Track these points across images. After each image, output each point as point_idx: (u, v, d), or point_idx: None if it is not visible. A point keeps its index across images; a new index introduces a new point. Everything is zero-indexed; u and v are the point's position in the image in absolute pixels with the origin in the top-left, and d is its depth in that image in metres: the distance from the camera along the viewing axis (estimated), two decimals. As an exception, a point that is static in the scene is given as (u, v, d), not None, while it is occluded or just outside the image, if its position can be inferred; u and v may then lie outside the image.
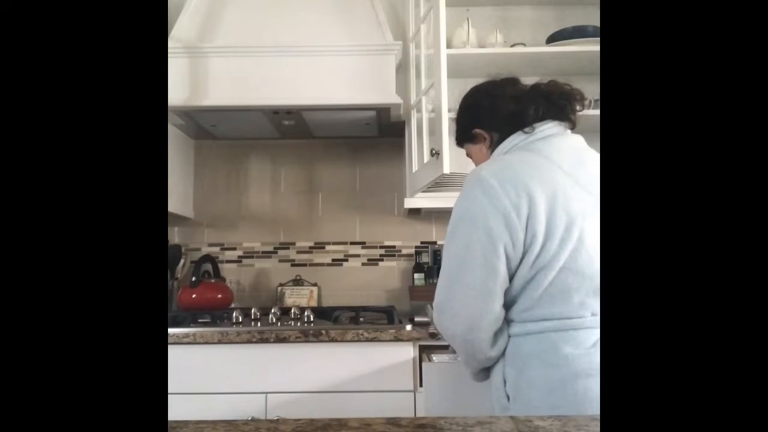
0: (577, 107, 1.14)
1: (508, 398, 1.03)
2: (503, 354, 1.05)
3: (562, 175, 1.03)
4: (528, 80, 1.21)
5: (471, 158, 1.26)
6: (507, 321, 1.05)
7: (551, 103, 1.12)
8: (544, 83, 1.16)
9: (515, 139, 1.11)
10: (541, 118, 1.11)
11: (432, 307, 1.12)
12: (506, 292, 1.03)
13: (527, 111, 1.11)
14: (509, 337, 1.05)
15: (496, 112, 1.15)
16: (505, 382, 1.04)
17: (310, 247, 2.33)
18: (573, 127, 1.15)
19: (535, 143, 1.09)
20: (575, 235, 0.99)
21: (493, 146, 1.16)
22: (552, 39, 2.05)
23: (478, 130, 1.19)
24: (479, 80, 1.25)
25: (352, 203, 2.34)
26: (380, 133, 2.26)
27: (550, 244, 0.98)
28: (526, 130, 1.11)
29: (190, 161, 2.34)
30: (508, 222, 0.99)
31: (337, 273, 2.32)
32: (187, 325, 1.73)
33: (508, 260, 1.00)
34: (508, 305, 1.04)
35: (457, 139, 1.28)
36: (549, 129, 1.11)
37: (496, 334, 1.04)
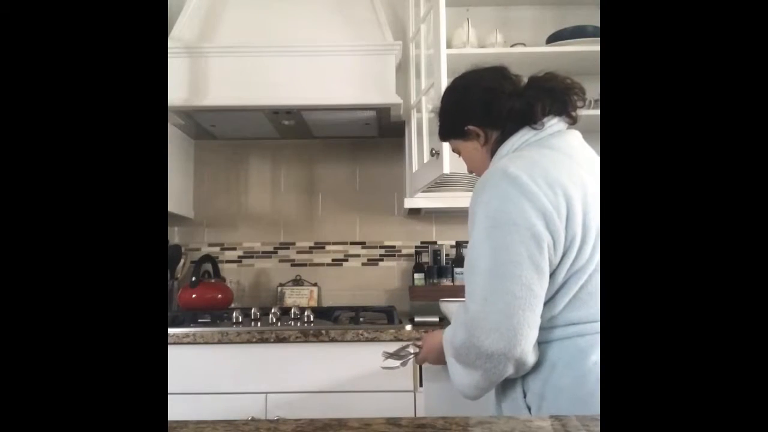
0: (579, 103, 1.08)
1: (530, 409, 0.97)
2: None
3: (585, 173, 0.97)
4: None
5: (459, 154, 1.19)
6: None
7: (554, 98, 1.06)
8: (541, 77, 1.09)
9: (525, 135, 1.04)
10: (546, 114, 1.05)
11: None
12: None
13: (534, 108, 1.04)
14: None
15: (495, 109, 1.07)
16: (524, 393, 0.98)
17: (310, 247, 2.33)
18: (573, 123, 1.09)
19: (547, 139, 1.03)
20: None
21: (494, 144, 1.09)
22: (552, 39, 2.05)
23: (471, 127, 1.10)
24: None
25: (352, 203, 2.34)
26: (380, 133, 2.26)
27: (586, 246, 0.93)
28: (536, 126, 1.04)
29: (190, 161, 2.34)
30: (549, 222, 0.91)
31: (337, 273, 2.32)
32: (187, 325, 1.73)
33: (549, 264, 0.92)
34: None
35: (442, 134, 1.20)
36: (556, 125, 1.05)
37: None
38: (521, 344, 0.91)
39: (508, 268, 0.90)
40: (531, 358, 0.94)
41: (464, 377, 1.01)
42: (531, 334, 0.91)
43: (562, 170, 0.96)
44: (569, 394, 0.92)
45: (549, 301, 0.95)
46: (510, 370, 0.95)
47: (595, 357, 0.92)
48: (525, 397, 0.98)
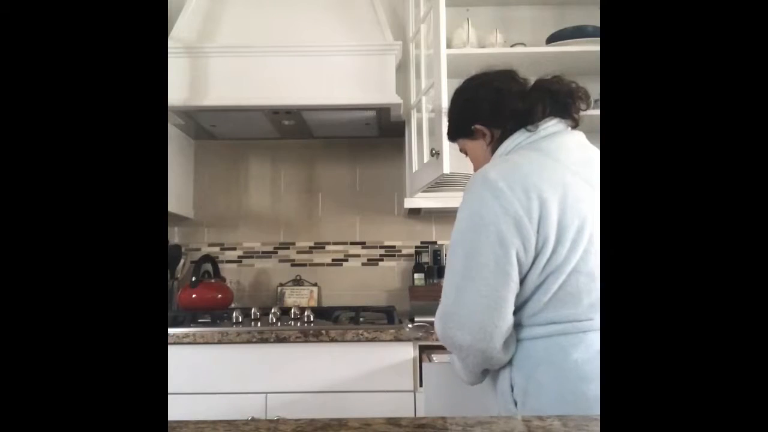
0: (582, 106, 1.11)
1: (516, 404, 1.00)
2: (511, 359, 1.02)
3: (570, 175, 1.00)
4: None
5: (466, 154, 1.22)
6: (515, 325, 1.01)
7: (556, 100, 1.09)
8: (547, 79, 1.13)
9: (518, 137, 1.08)
10: (546, 116, 1.08)
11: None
12: (516, 297, 0.99)
13: (534, 109, 1.08)
14: (517, 341, 1.01)
15: (500, 108, 1.11)
16: (512, 388, 1.01)
17: (310, 247, 2.33)
18: (575, 125, 1.12)
19: (539, 142, 1.06)
20: (586, 237, 0.96)
21: (495, 143, 1.12)
22: (552, 39, 2.05)
23: (479, 126, 1.14)
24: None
25: (352, 203, 2.34)
26: (380, 133, 2.26)
27: (561, 247, 0.96)
28: (530, 128, 1.07)
29: (190, 161, 2.34)
30: (519, 227, 0.95)
31: (337, 273, 2.32)
32: (187, 325, 1.73)
33: (520, 266, 0.97)
34: (516, 309, 1.00)
35: (451, 133, 1.23)
36: (552, 126, 1.07)
37: (507, 340, 0.99)
38: (485, 341, 0.97)
39: (477, 270, 0.97)
40: (500, 354, 0.99)
41: (455, 363, 1.11)
42: (496, 333, 0.97)
43: (543, 174, 0.99)
44: (550, 391, 0.96)
45: (528, 300, 1.00)
46: (481, 362, 1.02)
47: (577, 355, 0.95)
48: (512, 391, 1.01)
